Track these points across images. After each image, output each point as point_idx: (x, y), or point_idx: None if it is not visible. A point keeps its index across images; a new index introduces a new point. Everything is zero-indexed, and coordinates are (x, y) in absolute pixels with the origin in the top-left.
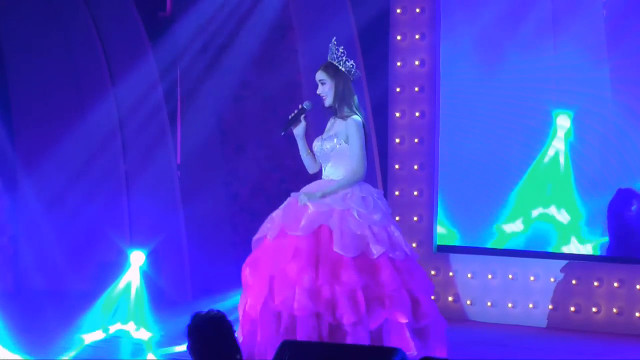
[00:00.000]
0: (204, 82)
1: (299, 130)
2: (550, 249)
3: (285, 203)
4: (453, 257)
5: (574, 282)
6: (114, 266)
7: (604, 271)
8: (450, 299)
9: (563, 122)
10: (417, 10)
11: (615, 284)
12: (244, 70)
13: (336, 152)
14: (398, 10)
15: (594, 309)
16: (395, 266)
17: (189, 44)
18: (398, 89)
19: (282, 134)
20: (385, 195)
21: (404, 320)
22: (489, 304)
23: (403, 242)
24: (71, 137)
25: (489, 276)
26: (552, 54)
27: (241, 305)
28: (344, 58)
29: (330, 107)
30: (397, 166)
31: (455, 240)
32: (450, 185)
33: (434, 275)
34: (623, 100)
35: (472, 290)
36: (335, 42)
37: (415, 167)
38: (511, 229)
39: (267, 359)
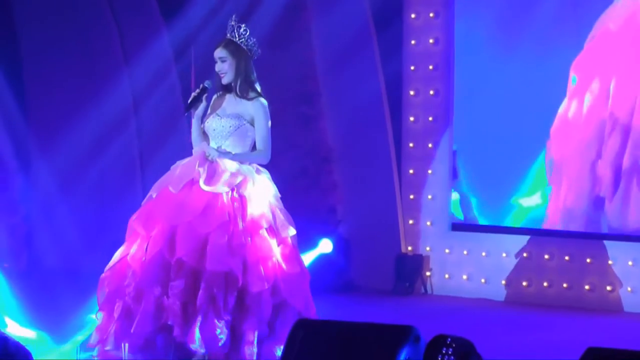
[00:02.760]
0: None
1: (199, 110)
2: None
3: (191, 158)
4: (467, 235)
5: (588, 260)
6: None
7: (619, 250)
8: (464, 277)
9: None
10: None
11: (630, 263)
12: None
13: (239, 131)
14: None
15: (608, 288)
16: (297, 253)
17: (203, 24)
18: (412, 68)
19: (186, 113)
20: (399, 174)
21: (299, 307)
22: (503, 282)
23: None
24: (85, 117)
25: (504, 254)
26: (572, 29)
27: (118, 256)
28: (246, 36)
29: (228, 84)
30: (411, 144)
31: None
32: (465, 164)
33: (447, 253)
34: None
35: (486, 268)
36: (236, 19)
37: (430, 145)
38: (528, 203)
39: (136, 308)
